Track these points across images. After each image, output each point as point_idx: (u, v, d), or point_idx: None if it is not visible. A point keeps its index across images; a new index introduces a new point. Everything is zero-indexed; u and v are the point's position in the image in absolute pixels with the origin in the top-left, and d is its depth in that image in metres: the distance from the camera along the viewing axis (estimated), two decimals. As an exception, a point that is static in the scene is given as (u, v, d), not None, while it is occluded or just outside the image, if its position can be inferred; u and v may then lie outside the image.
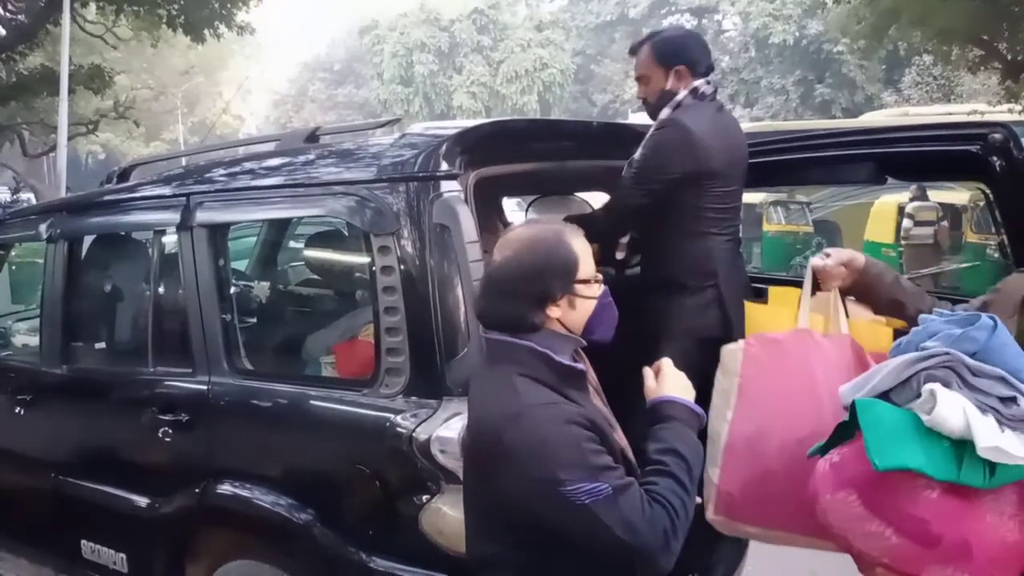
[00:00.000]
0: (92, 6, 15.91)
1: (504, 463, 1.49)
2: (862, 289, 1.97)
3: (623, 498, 1.44)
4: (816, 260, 2.01)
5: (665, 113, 2.59)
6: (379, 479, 2.24)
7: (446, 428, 2.08)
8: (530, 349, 1.58)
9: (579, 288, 1.61)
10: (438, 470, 2.10)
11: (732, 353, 2.00)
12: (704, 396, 2.08)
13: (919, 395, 1.40)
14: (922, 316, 1.58)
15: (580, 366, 1.64)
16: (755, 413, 1.93)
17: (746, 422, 1.94)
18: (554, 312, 1.60)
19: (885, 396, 1.46)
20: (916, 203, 10.34)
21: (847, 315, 1.98)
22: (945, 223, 10.39)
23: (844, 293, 2.00)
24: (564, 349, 1.62)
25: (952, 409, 1.33)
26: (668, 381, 1.68)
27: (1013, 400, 1.37)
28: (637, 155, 2.59)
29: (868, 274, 1.96)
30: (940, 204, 10.46)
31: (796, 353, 1.92)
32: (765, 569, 3.05)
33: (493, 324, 1.63)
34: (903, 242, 10.41)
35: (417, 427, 2.14)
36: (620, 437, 1.67)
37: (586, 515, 1.43)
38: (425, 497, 2.14)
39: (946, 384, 1.38)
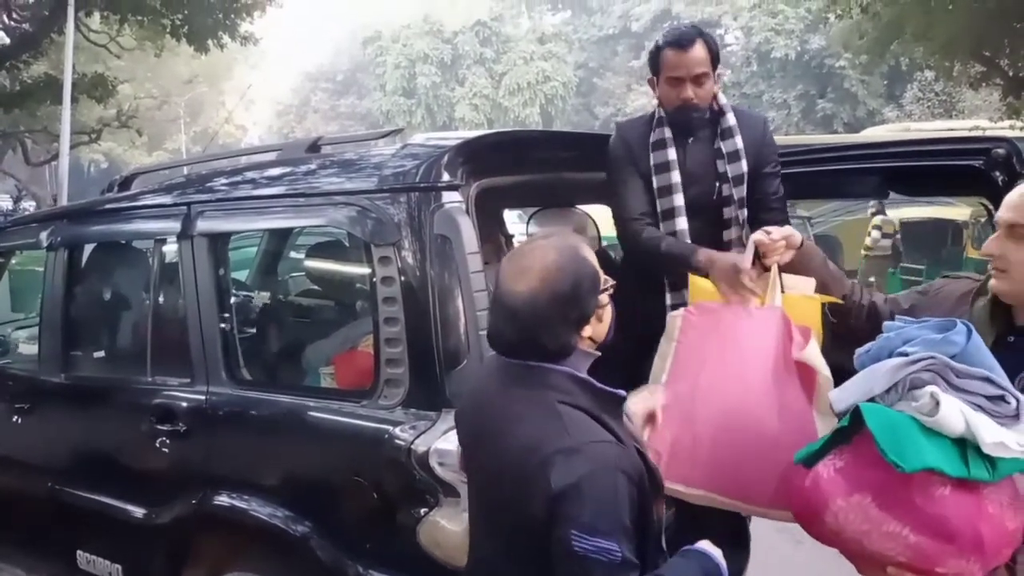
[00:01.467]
0: (96, 15, 15.99)
1: (540, 490, 1.43)
2: (795, 267, 2.11)
3: (625, 575, 1.39)
4: (758, 235, 2.12)
5: (732, 119, 2.55)
6: (377, 491, 2.23)
7: (445, 440, 2.06)
8: (571, 375, 1.54)
9: (601, 299, 1.59)
10: (436, 483, 2.08)
11: (673, 320, 2.16)
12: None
13: (902, 397, 1.47)
14: (887, 324, 1.64)
15: (622, 393, 1.60)
16: (686, 377, 2.07)
17: (677, 385, 2.06)
18: (587, 331, 1.57)
19: (872, 400, 1.50)
20: (880, 217, 10.86)
21: (783, 290, 2.09)
22: (899, 236, 11.02)
23: (781, 269, 2.11)
24: (584, 367, 1.59)
25: (953, 411, 1.39)
26: (708, 544, 1.61)
27: (1001, 399, 1.45)
28: (776, 159, 2.59)
29: (803, 253, 2.11)
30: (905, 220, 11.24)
31: (729, 322, 2.08)
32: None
33: (527, 354, 1.55)
34: (865, 253, 10.85)
35: (416, 439, 2.12)
36: (650, 457, 1.64)
37: (579, 566, 1.39)
38: (423, 510, 2.12)
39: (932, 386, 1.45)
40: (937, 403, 1.40)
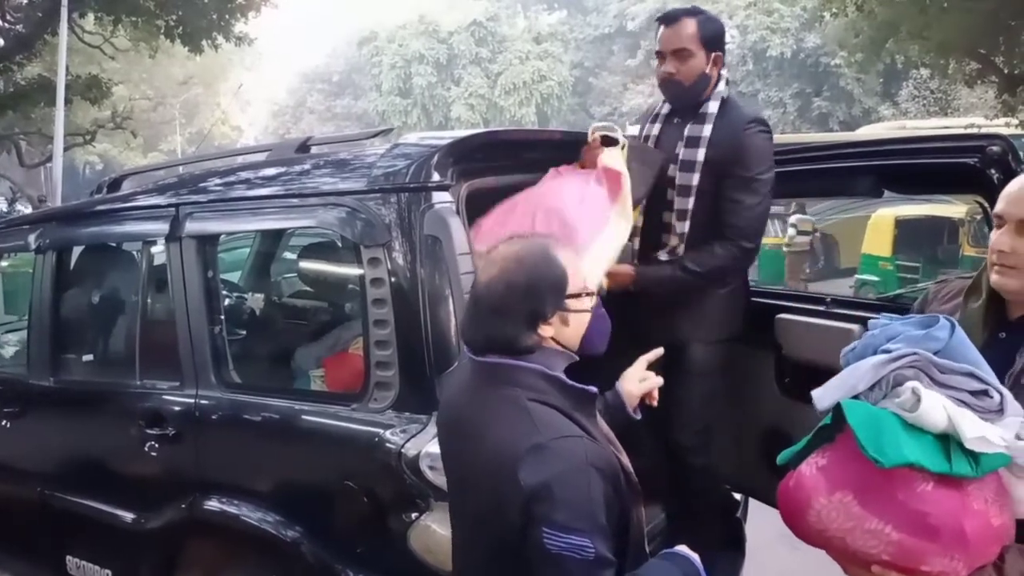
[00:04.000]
0: (90, 16, 15.93)
1: (513, 491, 1.41)
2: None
3: (600, 571, 1.37)
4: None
5: (713, 107, 2.50)
6: (368, 495, 2.21)
7: (436, 444, 2.02)
8: (540, 372, 1.52)
9: (570, 303, 1.55)
10: (427, 486, 2.06)
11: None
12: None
13: (886, 394, 1.45)
14: (871, 322, 1.63)
15: (592, 390, 1.58)
16: (531, 194, 2.41)
17: (525, 201, 2.41)
18: (547, 331, 1.53)
19: (856, 398, 1.49)
20: (797, 216, 11.98)
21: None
22: (819, 233, 12.15)
23: None
24: (559, 367, 1.57)
25: (935, 406, 1.38)
26: (687, 548, 1.58)
27: (984, 393, 1.43)
28: (750, 165, 2.47)
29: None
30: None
31: (576, 171, 2.51)
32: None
33: (484, 347, 1.55)
34: (785, 249, 11.73)
35: (406, 442, 2.10)
36: (626, 460, 1.62)
37: (553, 565, 1.37)
38: (414, 514, 2.11)
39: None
40: (918, 398, 1.39)
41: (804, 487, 1.49)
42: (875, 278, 10.52)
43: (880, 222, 10.80)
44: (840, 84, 30.71)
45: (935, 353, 1.47)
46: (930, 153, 2.58)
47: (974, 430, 1.36)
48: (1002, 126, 11.99)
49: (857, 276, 11.05)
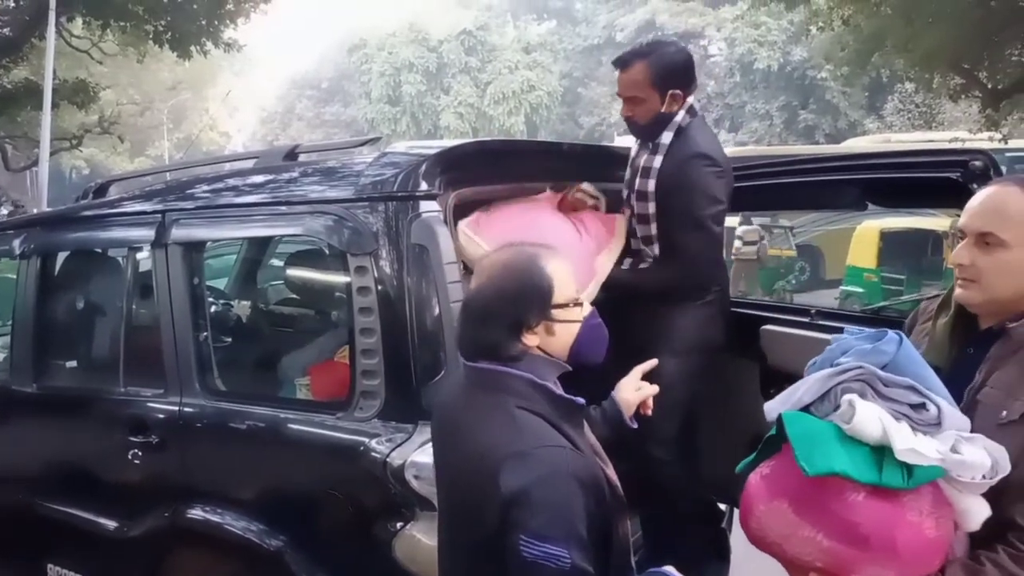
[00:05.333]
0: (79, 20, 15.87)
1: (492, 496, 1.41)
2: None
3: None
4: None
5: (667, 138, 2.53)
6: (352, 505, 2.20)
7: (421, 453, 2.03)
8: (529, 380, 1.52)
9: (557, 313, 1.54)
10: (412, 496, 2.06)
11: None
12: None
13: (837, 407, 1.48)
14: (834, 336, 1.66)
15: (580, 401, 1.58)
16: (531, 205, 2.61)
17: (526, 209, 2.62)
18: (531, 340, 1.54)
19: (806, 410, 1.53)
20: (744, 227, 12.17)
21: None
22: (765, 242, 12.37)
23: None
24: (549, 375, 1.57)
25: (870, 417, 1.41)
26: (673, 569, 1.57)
27: (923, 406, 1.46)
28: (692, 202, 2.48)
29: None
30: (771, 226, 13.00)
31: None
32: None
33: (474, 353, 1.56)
34: (733, 258, 11.85)
35: (392, 452, 2.10)
36: (611, 473, 1.62)
37: (529, 573, 1.36)
38: (399, 524, 2.10)
39: (861, 395, 1.47)
40: (855, 410, 1.42)
41: (750, 494, 1.53)
42: (860, 290, 10.58)
43: (865, 234, 10.88)
44: (826, 97, 30.97)
45: (883, 367, 1.49)
46: (914, 167, 2.61)
47: (905, 442, 1.38)
48: (985, 140, 12.13)
49: (842, 288, 11.12)
